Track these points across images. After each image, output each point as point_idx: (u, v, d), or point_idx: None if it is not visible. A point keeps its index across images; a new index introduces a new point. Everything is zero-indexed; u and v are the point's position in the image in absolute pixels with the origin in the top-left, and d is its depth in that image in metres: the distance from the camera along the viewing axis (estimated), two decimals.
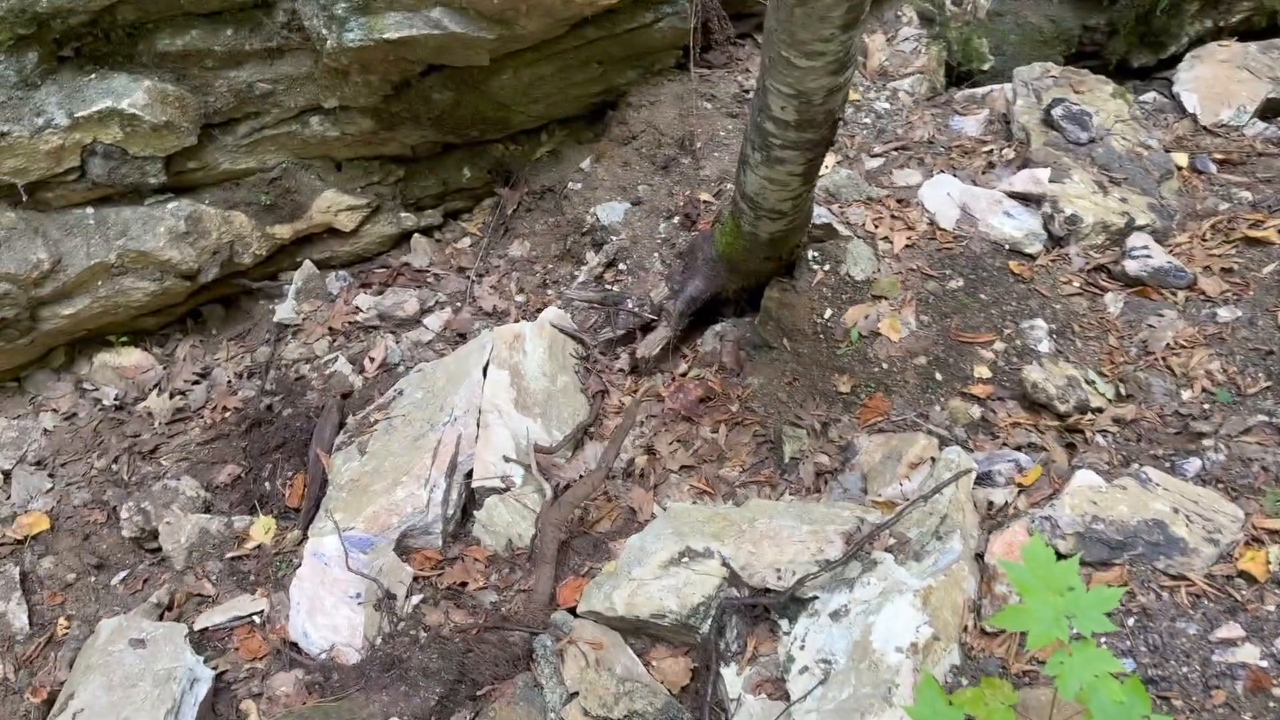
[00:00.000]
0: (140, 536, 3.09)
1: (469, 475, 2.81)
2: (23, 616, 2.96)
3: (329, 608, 2.49)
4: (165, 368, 3.77)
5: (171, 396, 3.61)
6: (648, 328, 3.15)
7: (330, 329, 3.67)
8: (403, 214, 3.86)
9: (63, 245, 3.32)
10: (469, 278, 3.77)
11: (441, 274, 3.84)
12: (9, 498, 3.37)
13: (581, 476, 2.71)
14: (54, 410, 3.65)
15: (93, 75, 3.08)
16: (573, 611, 2.42)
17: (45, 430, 3.58)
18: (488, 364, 2.98)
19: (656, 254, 3.42)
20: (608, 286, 3.39)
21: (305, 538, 2.92)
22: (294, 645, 2.52)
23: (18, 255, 3.21)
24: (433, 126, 3.62)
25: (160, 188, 3.42)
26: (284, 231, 3.68)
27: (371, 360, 3.49)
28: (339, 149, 3.60)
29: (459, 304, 3.68)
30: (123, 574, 3.08)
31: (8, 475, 3.44)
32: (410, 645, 2.33)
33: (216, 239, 3.51)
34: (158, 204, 3.42)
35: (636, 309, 3.17)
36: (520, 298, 3.63)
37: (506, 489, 2.75)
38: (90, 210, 3.37)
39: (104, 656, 2.51)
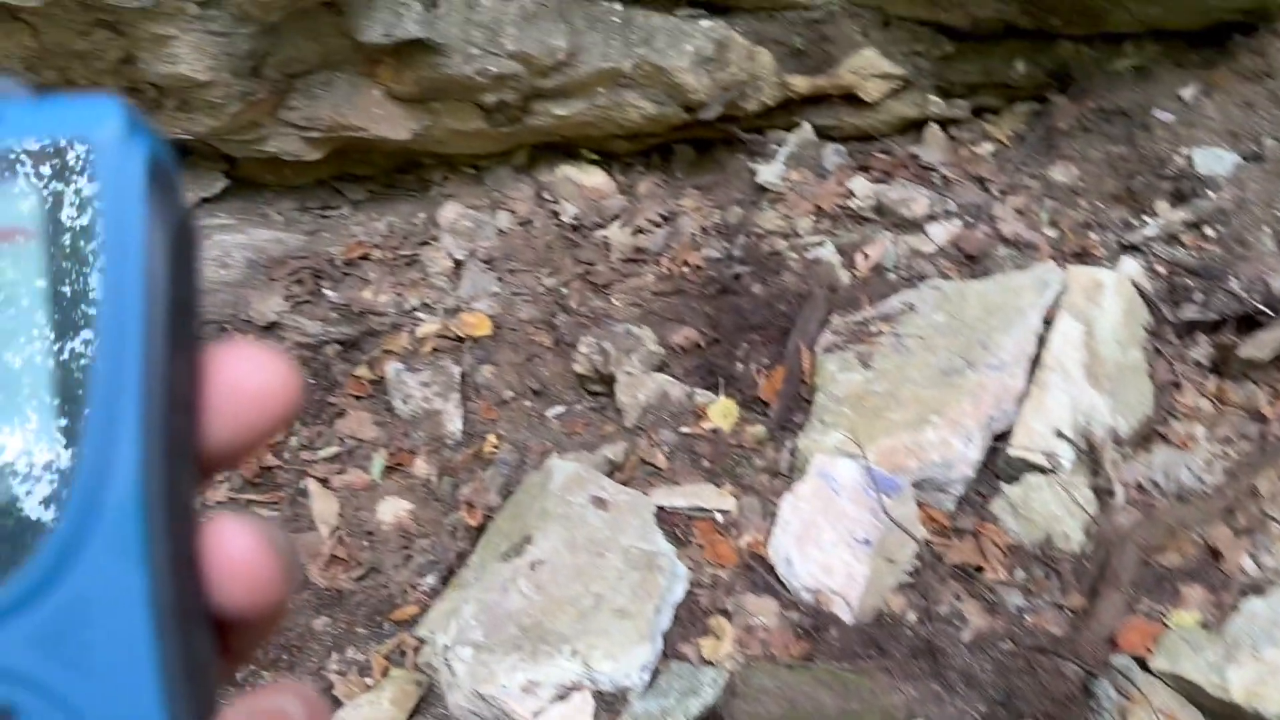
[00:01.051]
0: (589, 376, 2.80)
1: (999, 437, 2.29)
2: (457, 421, 2.77)
3: (826, 543, 2.07)
4: (626, 199, 3.46)
5: (634, 233, 3.29)
6: (1250, 322, 2.45)
7: (817, 207, 3.20)
8: (930, 97, 3.28)
9: (583, 38, 3.00)
10: (989, 191, 3.16)
11: (953, 178, 3.26)
12: (456, 289, 3.19)
13: (1180, 496, 2.11)
14: (511, 212, 3.43)
15: None
16: (1140, 663, 1.88)
17: (500, 230, 3.37)
18: (1053, 309, 2.40)
19: (1270, 229, 2.67)
20: (1189, 251, 2.69)
21: (773, 439, 2.53)
22: (770, 568, 2.13)
23: (539, 37, 2.92)
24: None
25: (699, 1, 3.01)
26: (801, 84, 3.20)
27: (865, 257, 2.99)
28: (899, 1, 3.04)
29: (971, 219, 3.09)
30: (560, 409, 2.82)
31: (459, 266, 3.26)
32: (953, 639, 1.87)
33: (733, 74, 3.08)
34: (689, 19, 3.02)
35: (1244, 291, 2.47)
36: (1051, 232, 3.00)
37: (1051, 469, 2.20)
38: (619, 6, 3.02)
39: (563, 506, 2.23)
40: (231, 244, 3.18)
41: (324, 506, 2.57)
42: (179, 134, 2.98)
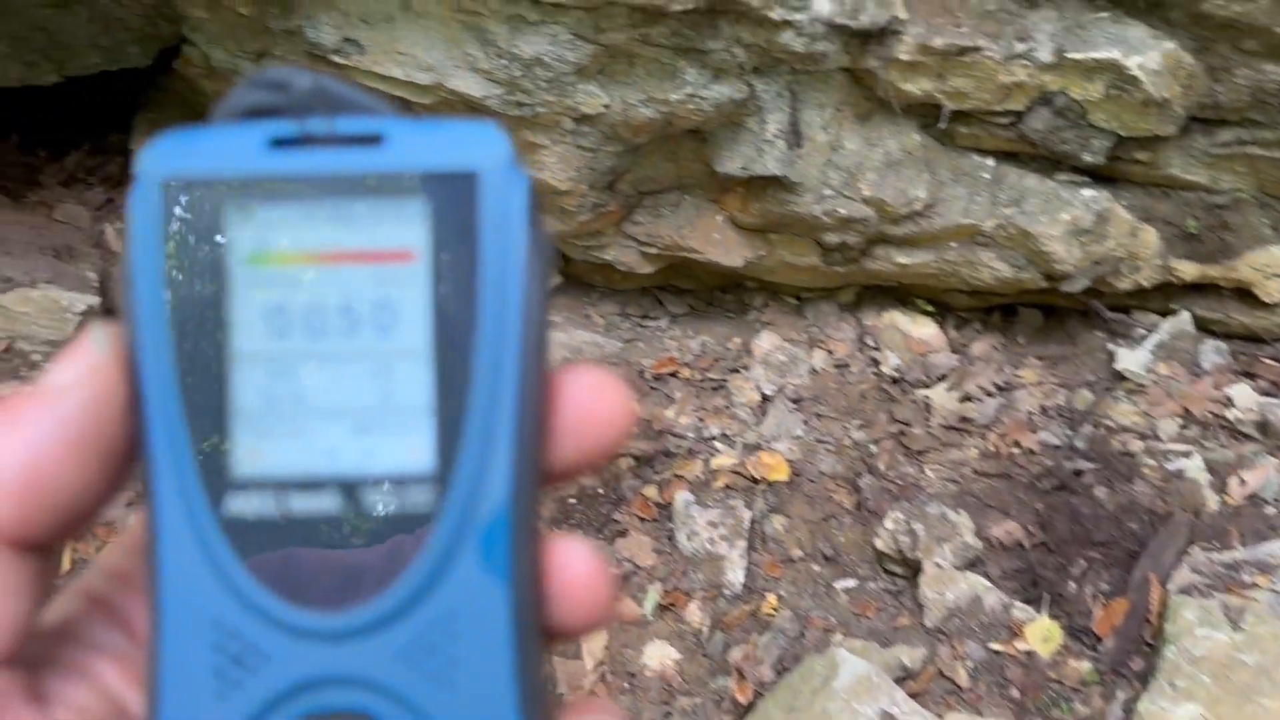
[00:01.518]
0: (890, 555, 2.55)
1: None
2: (739, 571, 2.61)
3: None
4: (958, 358, 3.20)
5: (961, 399, 3.02)
6: None
7: (1185, 410, 2.79)
8: None
9: (944, 190, 2.81)
10: None
11: None
12: (759, 424, 3.05)
13: None
14: (829, 351, 3.27)
15: (1105, 14, 2.42)
16: None
17: (814, 369, 3.21)
18: None
19: None
20: None
21: (1102, 684, 2.16)
22: None
23: (899, 185, 2.76)
24: None
25: (1082, 168, 2.74)
26: (1188, 271, 2.83)
27: (1242, 483, 2.55)
28: None
29: None
30: (851, 583, 2.58)
31: (766, 400, 3.12)
32: None
33: (1109, 248, 2.77)
34: (1069, 186, 2.75)
35: None
36: None
37: None
38: (990, 162, 2.80)
39: (848, 714, 1.99)
40: (553, 342, 3.23)
41: (591, 638, 2.48)
42: None
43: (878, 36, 2.44)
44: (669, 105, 2.43)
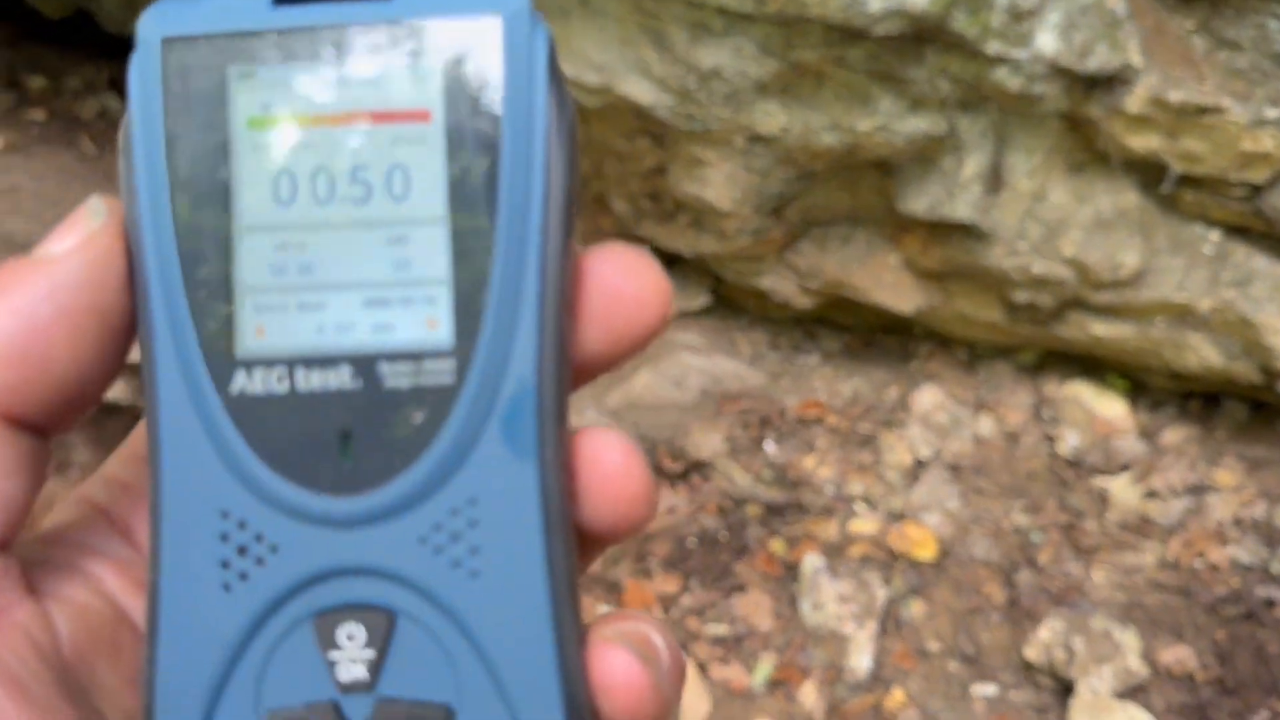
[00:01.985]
0: (1040, 667, 2.25)
1: None
2: (866, 657, 2.35)
3: None
4: (1146, 445, 2.83)
5: (1145, 495, 2.66)
6: None
7: None
8: None
9: (1156, 260, 2.46)
10: None
11: None
12: (908, 491, 2.77)
13: None
14: (998, 419, 2.95)
15: None
16: None
17: (977, 437, 2.90)
18: None
19: None
20: None
21: None
22: None
23: (1104, 247, 2.42)
24: None
25: None
26: None
27: None
28: None
29: None
30: (992, 690, 2.29)
31: (919, 465, 2.84)
32: None
33: None
34: None
35: None
36: None
37: None
38: (1215, 236, 2.44)
39: None
40: (693, 367, 3.03)
41: (695, 704, 2.27)
42: (680, 248, 2.87)
43: (1105, 83, 2.13)
44: (856, 134, 2.18)
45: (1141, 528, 2.59)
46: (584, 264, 0.31)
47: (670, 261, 3.34)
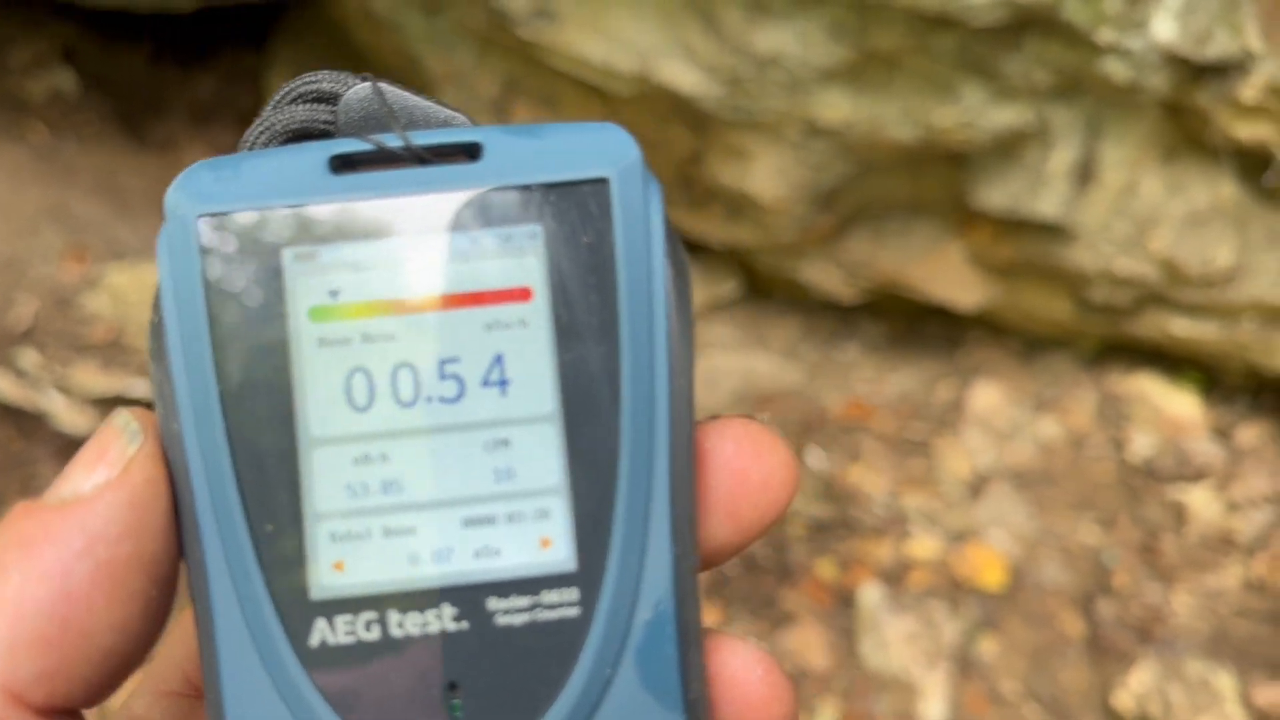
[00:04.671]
0: (1129, 716, 2.04)
1: None
2: (938, 704, 2.14)
3: None
4: (1221, 447, 2.60)
5: (1227, 507, 2.44)
6: None
7: None
8: None
9: (1254, 255, 2.20)
10: None
11: None
12: (970, 504, 2.54)
13: None
14: (1061, 420, 2.71)
15: None
16: None
17: (1038, 441, 2.67)
18: None
19: None
20: None
21: None
22: None
23: (1198, 243, 2.16)
24: None
25: None
26: None
27: None
28: None
29: None
30: None
31: (980, 477, 2.60)
32: None
33: None
34: None
35: None
36: None
37: None
38: None
39: None
40: (724, 368, 2.76)
41: None
42: (710, 237, 2.59)
43: (1217, 71, 1.85)
44: (933, 128, 1.89)
45: (1222, 544, 2.38)
46: (702, 443, 0.27)
47: (694, 248, 3.05)
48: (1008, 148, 2.00)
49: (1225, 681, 2.03)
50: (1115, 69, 1.76)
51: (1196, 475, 2.51)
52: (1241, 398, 2.74)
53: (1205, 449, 2.56)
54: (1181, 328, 2.40)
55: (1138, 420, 2.63)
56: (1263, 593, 2.29)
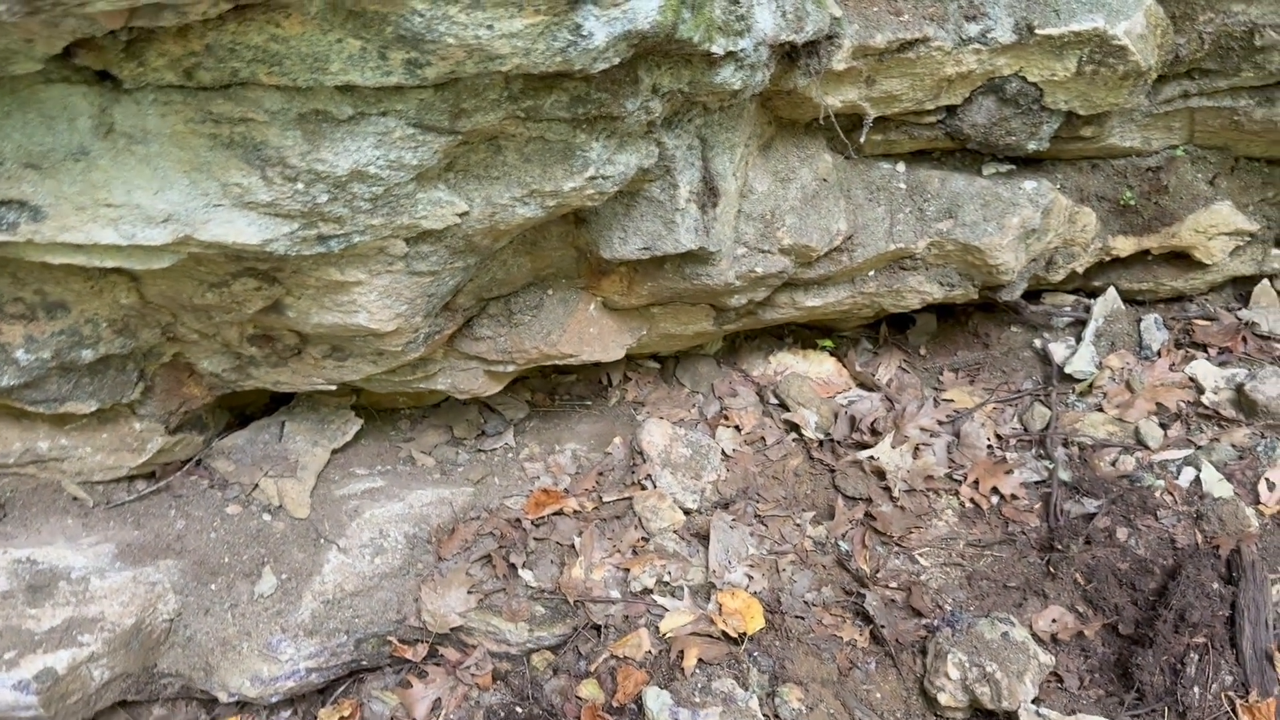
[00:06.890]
0: (958, 707, 1.97)
1: None
2: None
3: None
4: (875, 396, 2.65)
5: (912, 450, 2.48)
6: None
7: (1157, 404, 2.44)
8: (1272, 250, 2.56)
9: (863, 214, 2.22)
10: None
11: None
12: (697, 552, 2.34)
13: None
14: (735, 427, 2.60)
15: None
16: None
17: (725, 454, 2.54)
18: None
19: None
20: None
21: None
22: None
23: (821, 221, 2.12)
24: None
25: (1011, 157, 2.26)
26: (1125, 246, 2.46)
27: (1271, 486, 2.24)
28: (1254, 140, 2.31)
29: None
30: None
31: (689, 515, 2.41)
32: None
33: (1048, 242, 2.33)
34: (1003, 179, 2.26)
35: None
36: None
37: None
38: (900, 169, 2.24)
39: None
40: (385, 517, 2.30)
41: None
42: (315, 385, 2.12)
43: (810, 47, 1.78)
44: (560, 195, 1.62)
45: (924, 487, 2.42)
46: None
47: (281, 401, 2.52)
48: (630, 189, 1.78)
49: (1021, 633, 2.02)
50: (731, 78, 1.60)
51: (870, 429, 2.54)
52: (859, 337, 2.83)
53: (862, 403, 2.59)
54: (816, 299, 2.37)
55: (797, 401, 2.61)
56: (982, 522, 2.34)
